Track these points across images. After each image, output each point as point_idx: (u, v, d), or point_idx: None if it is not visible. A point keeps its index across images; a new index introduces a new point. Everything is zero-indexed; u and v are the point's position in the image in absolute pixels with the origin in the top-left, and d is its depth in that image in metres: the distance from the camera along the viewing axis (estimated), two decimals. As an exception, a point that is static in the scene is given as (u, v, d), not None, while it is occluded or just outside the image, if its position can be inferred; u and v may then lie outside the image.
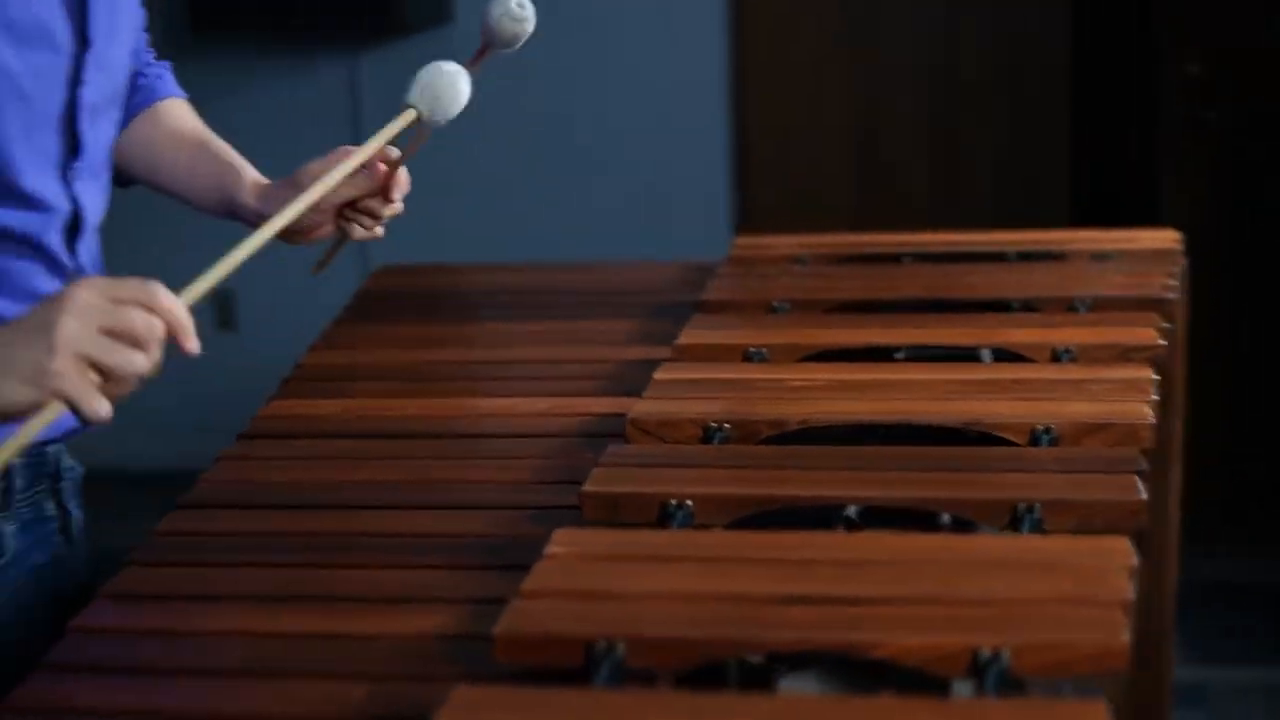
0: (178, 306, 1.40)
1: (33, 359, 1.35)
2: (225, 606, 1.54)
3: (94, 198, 1.73)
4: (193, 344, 1.41)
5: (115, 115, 1.78)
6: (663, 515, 1.58)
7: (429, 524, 1.70)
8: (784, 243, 2.77)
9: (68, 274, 1.68)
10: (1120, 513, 1.53)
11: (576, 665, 1.28)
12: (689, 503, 1.59)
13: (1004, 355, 2.07)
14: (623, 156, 4.68)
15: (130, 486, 3.99)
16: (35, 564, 1.72)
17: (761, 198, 4.71)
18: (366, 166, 1.88)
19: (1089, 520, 1.52)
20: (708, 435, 1.81)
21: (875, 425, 1.82)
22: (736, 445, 1.78)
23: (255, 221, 1.82)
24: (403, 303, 2.75)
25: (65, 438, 1.75)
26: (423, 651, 1.40)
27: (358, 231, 1.96)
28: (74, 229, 1.70)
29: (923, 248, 2.65)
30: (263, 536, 1.71)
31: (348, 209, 1.95)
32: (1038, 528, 1.52)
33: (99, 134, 1.72)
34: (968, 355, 2.08)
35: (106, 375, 1.36)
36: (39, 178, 1.64)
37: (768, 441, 1.80)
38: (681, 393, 1.93)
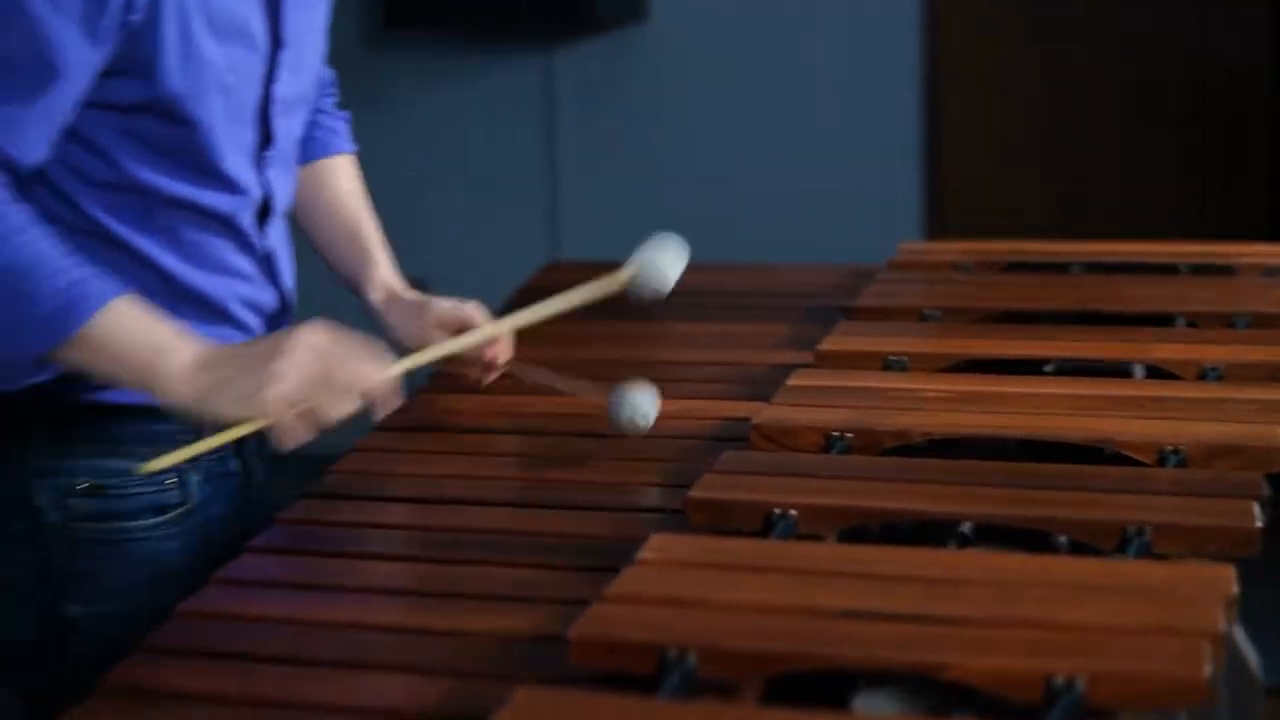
0: (386, 374, 1.63)
1: (253, 384, 1.57)
2: (329, 597, 1.56)
3: (283, 185, 1.88)
4: (383, 413, 1.67)
5: (304, 113, 1.91)
6: (766, 524, 1.57)
7: (540, 523, 1.71)
8: (948, 248, 2.74)
9: (257, 253, 1.85)
10: (1234, 539, 1.48)
11: (649, 673, 1.27)
12: (793, 513, 1.57)
13: (1156, 372, 2.02)
14: (812, 158, 4.64)
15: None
16: (216, 515, 1.82)
17: (951, 202, 4.63)
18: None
19: (1201, 546, 1.48)
20: (829, 444, 1.79)
21: (1001, 440, 1.78)
22: (854, 456, 1.76)
23: (372, 314, 2.04)
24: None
25: None
26: (507, 651, 1.41)
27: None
28: (264, 212, 1.84)
29: (1092, 257, 2.60)
30: (377, 529, 1.73)
31: None
32: (1146, 551, 1.47)
33: (289, 127, 1.86)
34: (1118, 370, 2.03)
35: (308, 414, 1.57)
36: (236, 163, 1.77)
37: (889, 453, 1.78)
38: (809, 400, 1.91)
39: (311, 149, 2.05)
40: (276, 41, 1.77)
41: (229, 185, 1.77)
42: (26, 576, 1.78)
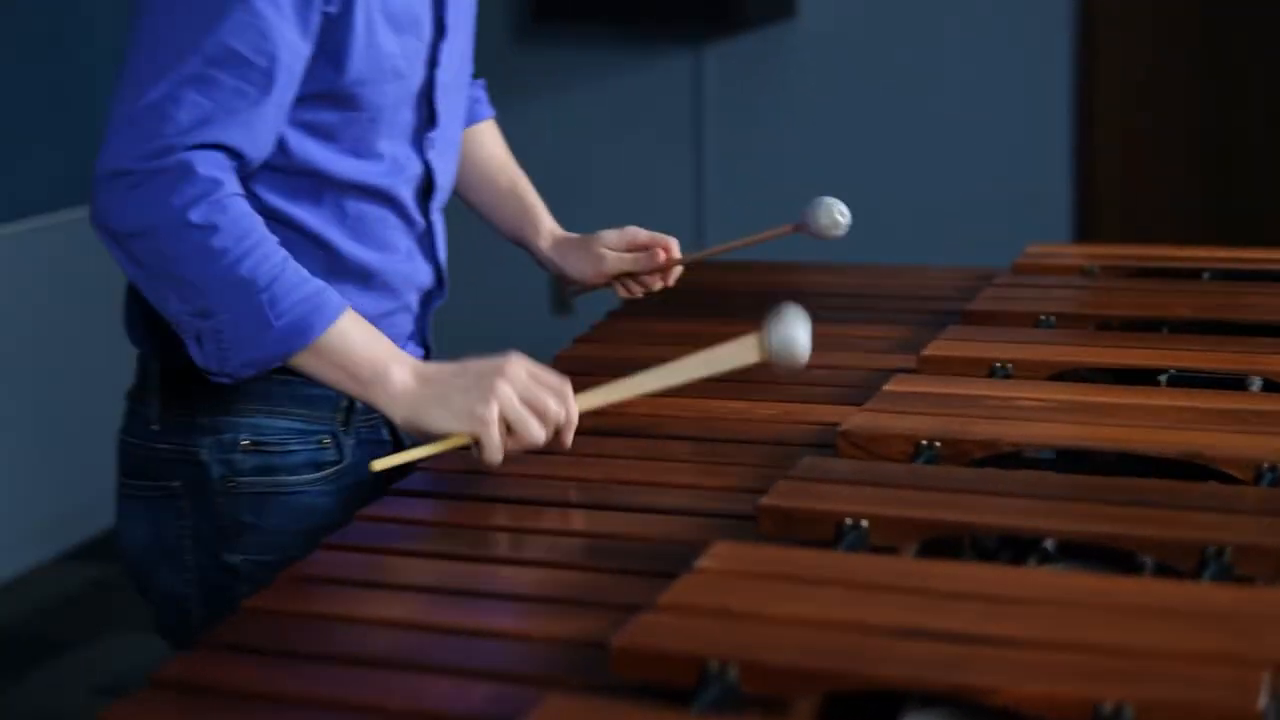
0: (576, 407, 1.76)
1: (468, 402, 1.70)
2: (389, 596, 1.55)
3: (445, 165, 1.98)
4: (568, 443, 1.76)
5: (462, 96, 2.03)
6: (837, 535, 1.53)
7: (611, 525, 1.68)
8: (1074, 252, 2.68)
9: (417, 230, 1.96)
10: (1320, 564, 1.41)
11: (690, 686, 1.25)
12: (864, 524, 1.53)
13: (1274, 385, 1.95)
14: (961, 158, 4.56)
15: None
16: (365, 476, 1.88)
17: (1103, 206, 4.52)
18: (649, 248, 2.22)
19: (1285, 570, 1.41)
20: (917, 453, 1.74)
21: (1093, 452, 1.73)
22: (939, 466, 1.71)
23: (543, 262, 2.27)
24: (691, 298, 2.74)
25: None
26: (558, 656, 1.39)
27: (624, 292, 2.28)
28: (426, 191, 1.96)
29: (1226, 264, 2.52)
30: (447, 528, 1.72)
31: (627, 276, 2.25)
32: (1226, 573, 1.41)
33: (451, 109, 1.97)
34: (1234, 383, 1.96)
35: (514, 436, 1.70)
36: (399, 144, 1.89)
37: (977, 463, 1.73)
38: (903, 406, 1.87)
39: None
40: (440, 30, 1.89)
41: (392, 165, 1.87)
42: (191, 528, 1.89)
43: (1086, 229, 4.48)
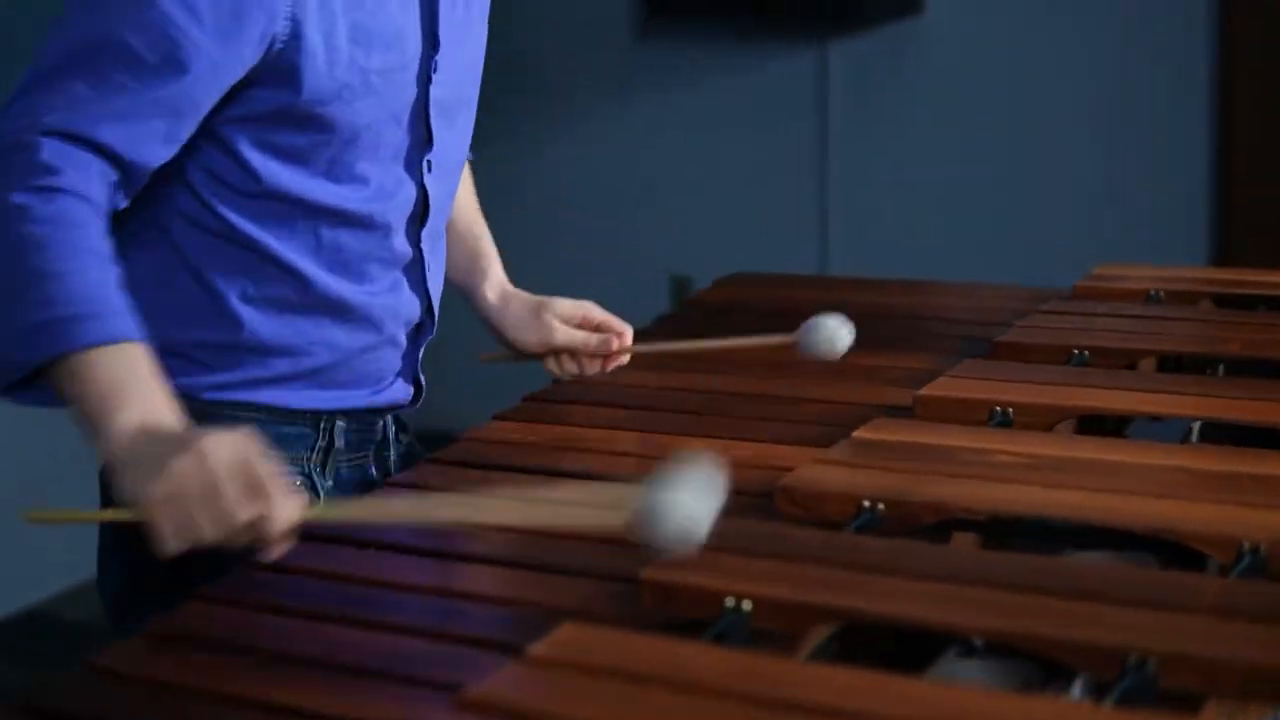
0: (286, 520, 1.42)
1: (142, 476, 1.42)
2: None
3: (443, 190, 1.83)
4: (275, 553, 1.44)
5: (467, 115, 1.87)
6: (718, 618, 1.32)
7: (486, 580, 1.51)
8: (1145, 274, 2.42)
9: (405, 260, 1.80)
10: (1266, 683, 1.16)
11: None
12: (746, 606, 1.32)
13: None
14: (1093, 161, 4.26)
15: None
16: None
17: (1240, 215, 4.18)
18: (602, 331, 2.05)
19: (1220, 685, 1.17)
20: (857, 515, 1.52)
21: (1058, 523, 1.49)
22: (861, 535, 1.49)
23: (484, 315, 2.06)
24: (719, 315, 2.55)
25: (391, 409, 1.87)
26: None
27: (555, 369, 2.08)
28: (419, 217, 1.80)
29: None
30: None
31: (565, 353, 2.06)
32: (1148, 688, 1.17)
33: (452, 129, 1.81)
34: (1273, 439, 1.71)
35: (182, 526, 1.40)
36: (384, 167, 1.74)
37: (922, 531, 1.51)
38: (863, 458, 1.65)
39: None
40: (433, 44, 1.74)
41: (378, 190, 1.74)
42: (160, 569, 1.65)
43: (1226, 244, 4.15)
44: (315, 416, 1.78)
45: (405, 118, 1.74)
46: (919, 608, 1.29)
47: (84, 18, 1.57)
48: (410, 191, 1.77)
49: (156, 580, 1.63)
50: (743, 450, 1.82)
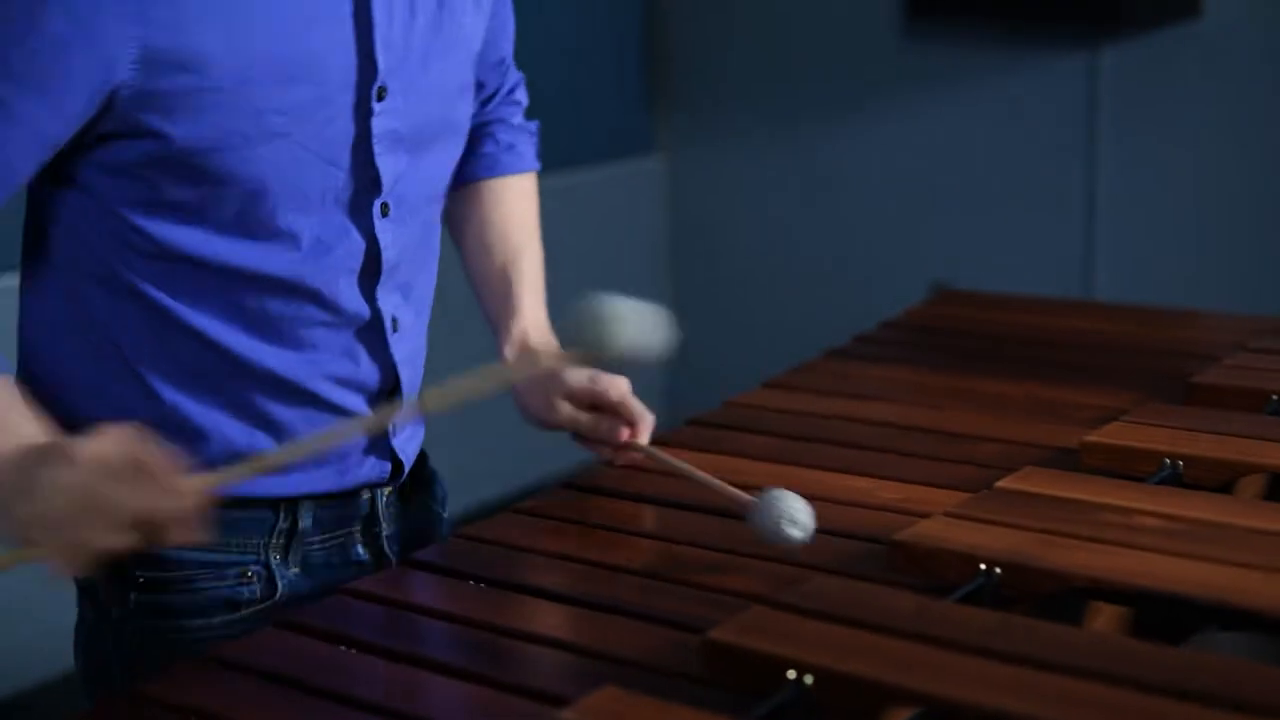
0: (184, 499, 1.26)
1: (13, 504, 1.26)
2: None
3: (406, 236, 1.58)
4: (185, 537, 1.27)
5: (446, 147, 1.62)
6: (777, 691, 1.21)
7: (563, 621, 1.41)
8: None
9: (355, 322, 1.56)
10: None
11: None
12: (807, 679, 1.20)
13: None
14: None
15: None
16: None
17: None
18: (614, 416, 1.74)
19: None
20: (973, 579, 1.40)
21: (1185, 598, 1.34)
22: (964, 604, 1.36)
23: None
24: (919, 336, 2.42)
25: (366, 488, 1.64)
26: None
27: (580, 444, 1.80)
28: (372, 272, 1.56)
29: None
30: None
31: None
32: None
33: (421, 164, 1.57)
34: None
35: (70, 545, 1.25)
36: (323, 215, 1.50)
37: (1051, 602, 1.37)
38: (995, 513, 1.51)
39: (476, 166, 1.79)
40: (370, 68, 1.48)
41: (313, 246, 1.50)
42: (106, 657, 1.60)
43: None
44: (272, 500, 1.56)
45: (343, 158, 1.49)
46: (1010, 699, 1.15)
47: None
48: (356, 243, 1.53)
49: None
50: (889, 492, 1.71)
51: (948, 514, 1.52)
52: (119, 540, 1.24)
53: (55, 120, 1.37)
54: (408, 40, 1.51)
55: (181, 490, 1.26)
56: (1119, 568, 1.37)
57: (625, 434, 1.73)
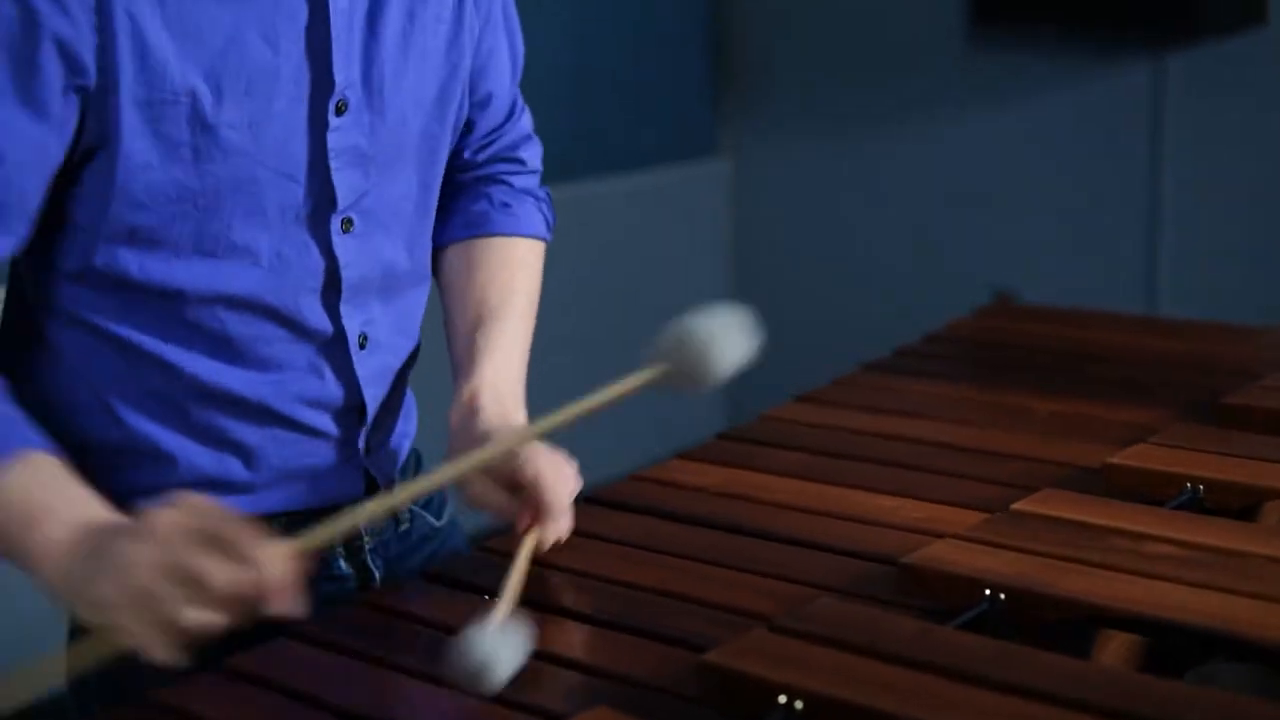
0: (273, 564, 1.23)
1: (95, 584, 1.22)
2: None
3: (368, 254, 1.55)
4: (282, 607, 1.24)
5: (419, 164, 1.59)
6: (765, 716, 1.21)
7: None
8: None
9: (317, 339, 1.55)
10: None
11: None
12: (798, 705, 1.21)
13: None
14: None
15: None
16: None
17: None
18: (527, 499, 1.53)
19: None
20: (977, 605, 1.39)
21: (1189, 627, 1.33)
22: (963, 630, 1.35)
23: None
24: (963, 349, 2.42)
25: (339, 506, 1.57)
26: None
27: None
28: (334, 287, 1.54)
29: None
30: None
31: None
32: None
33: (377, 182, 1.53)
34: None
35: (160, 624, 1.21)
36: (282, 231, 1.48)
37: (1046, 628, 1.37)
38: (1007, 536, 1.51)
39: (464, 222, 1.73)
40: (326, 82, 1.46)
41: (274, 262, 1.48)
42: (88, 682, 1.55)
43: None
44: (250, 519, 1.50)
45: (300, 172, 1.47)
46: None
47: None
48: (316, 259, 1.50)
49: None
50: (913, 511, 1.71)
51: (959, 537, 1.51)
52: (211, 616, 1.22)
53: (54, 138, 1.38)
54: (370, 54, 1.50)
55: (268, 558, 1.23)
56: (1124, 595, 1.36)
57: (524, 522, 1.54)
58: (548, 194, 1.80)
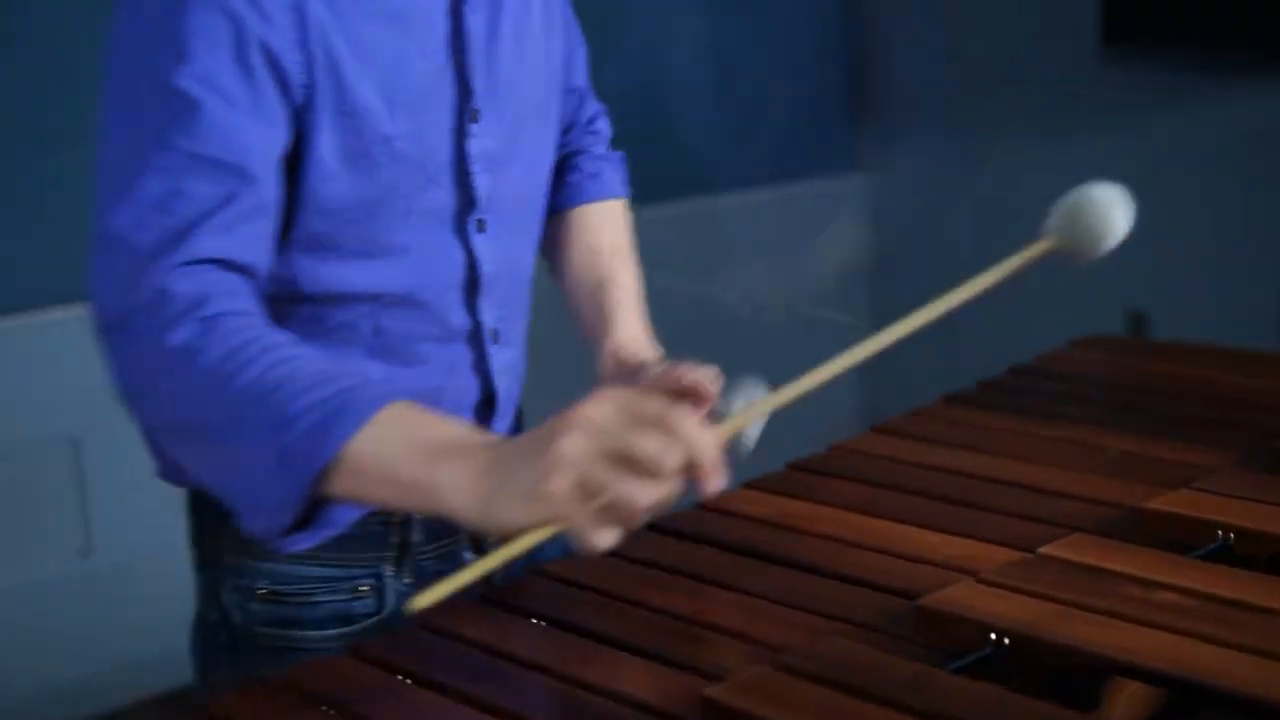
0: (705, 438, 1.28)
1: (530, 478, 1.25)
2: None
3: (500, 252, 1.69)
4: (715, 484, 1.30)
5: (533, 164, 1.74)
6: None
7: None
8: None
9: (459, 335, 1.68)
10: None
11: None
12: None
13: None
14: None
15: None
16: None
17: None
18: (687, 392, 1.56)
19: None
20: (982, 648, 1.44)
21: (1191, 682, 1.36)
22: (958, 675, 1.39)
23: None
24: (1046, 383, 2.43)
25: None
26: None
27: None
28: (473, 285, 1.67)
29: None
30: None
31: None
32: None
33: (511, 179, 1.68)
34: None
35: (608, 507, 1.25)
36: (427, 230, 1.62)
37: (1046, 674, 1.41)
38: (1026, 580, 1.54)
39: (563, 195, 1.90)
40: (465, 91, 1.61)
41: (420, 258, 1.61)
42: (224, 663, 1.72)
43: None
44: (384, 513, 1.66)
45: (444, 177, 1.61)
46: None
47: (137, 143, 1.43)
48: (457, 257, 1.64)
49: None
50: (953, 548, 1.74)
51: (979, 579, 1.55)
52: (660, 491, 1.26)
53: (272, 126, 1.48)
54: (492, 66, 1.63)
55: (701, 433, 1.27)
56: (1123, 644, 1.40)
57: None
58: (621, 157, 1.99)
